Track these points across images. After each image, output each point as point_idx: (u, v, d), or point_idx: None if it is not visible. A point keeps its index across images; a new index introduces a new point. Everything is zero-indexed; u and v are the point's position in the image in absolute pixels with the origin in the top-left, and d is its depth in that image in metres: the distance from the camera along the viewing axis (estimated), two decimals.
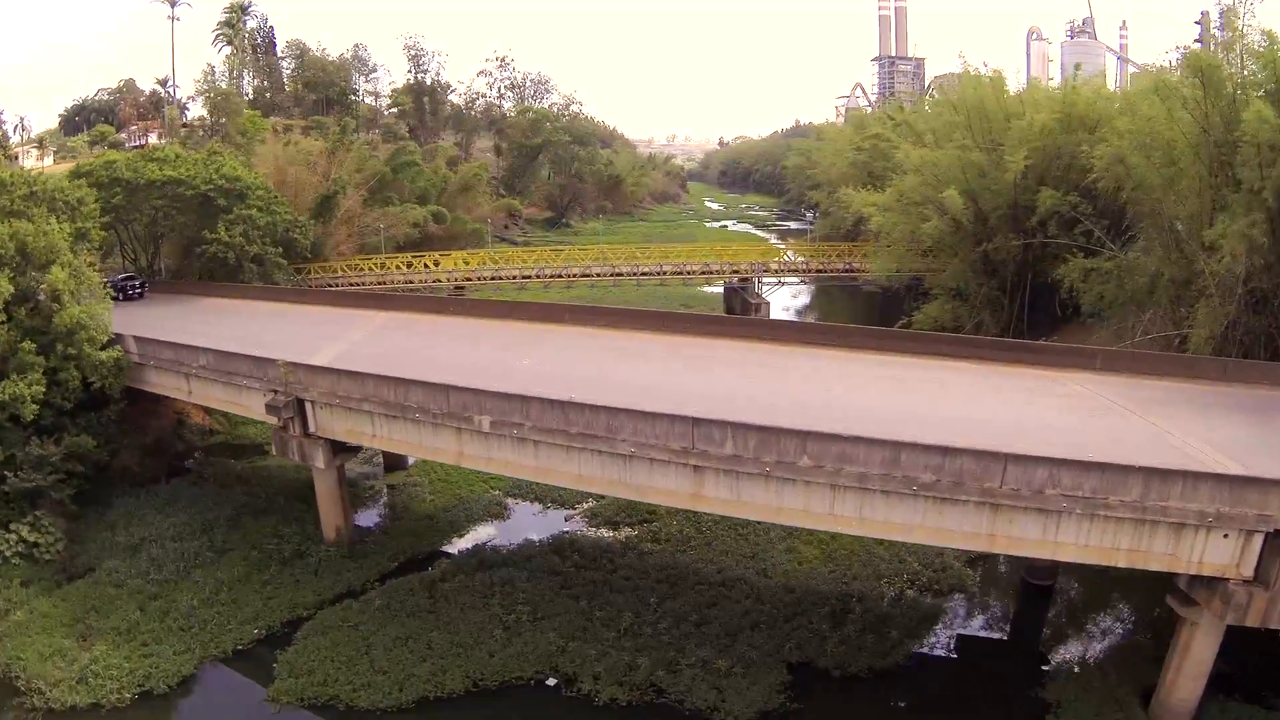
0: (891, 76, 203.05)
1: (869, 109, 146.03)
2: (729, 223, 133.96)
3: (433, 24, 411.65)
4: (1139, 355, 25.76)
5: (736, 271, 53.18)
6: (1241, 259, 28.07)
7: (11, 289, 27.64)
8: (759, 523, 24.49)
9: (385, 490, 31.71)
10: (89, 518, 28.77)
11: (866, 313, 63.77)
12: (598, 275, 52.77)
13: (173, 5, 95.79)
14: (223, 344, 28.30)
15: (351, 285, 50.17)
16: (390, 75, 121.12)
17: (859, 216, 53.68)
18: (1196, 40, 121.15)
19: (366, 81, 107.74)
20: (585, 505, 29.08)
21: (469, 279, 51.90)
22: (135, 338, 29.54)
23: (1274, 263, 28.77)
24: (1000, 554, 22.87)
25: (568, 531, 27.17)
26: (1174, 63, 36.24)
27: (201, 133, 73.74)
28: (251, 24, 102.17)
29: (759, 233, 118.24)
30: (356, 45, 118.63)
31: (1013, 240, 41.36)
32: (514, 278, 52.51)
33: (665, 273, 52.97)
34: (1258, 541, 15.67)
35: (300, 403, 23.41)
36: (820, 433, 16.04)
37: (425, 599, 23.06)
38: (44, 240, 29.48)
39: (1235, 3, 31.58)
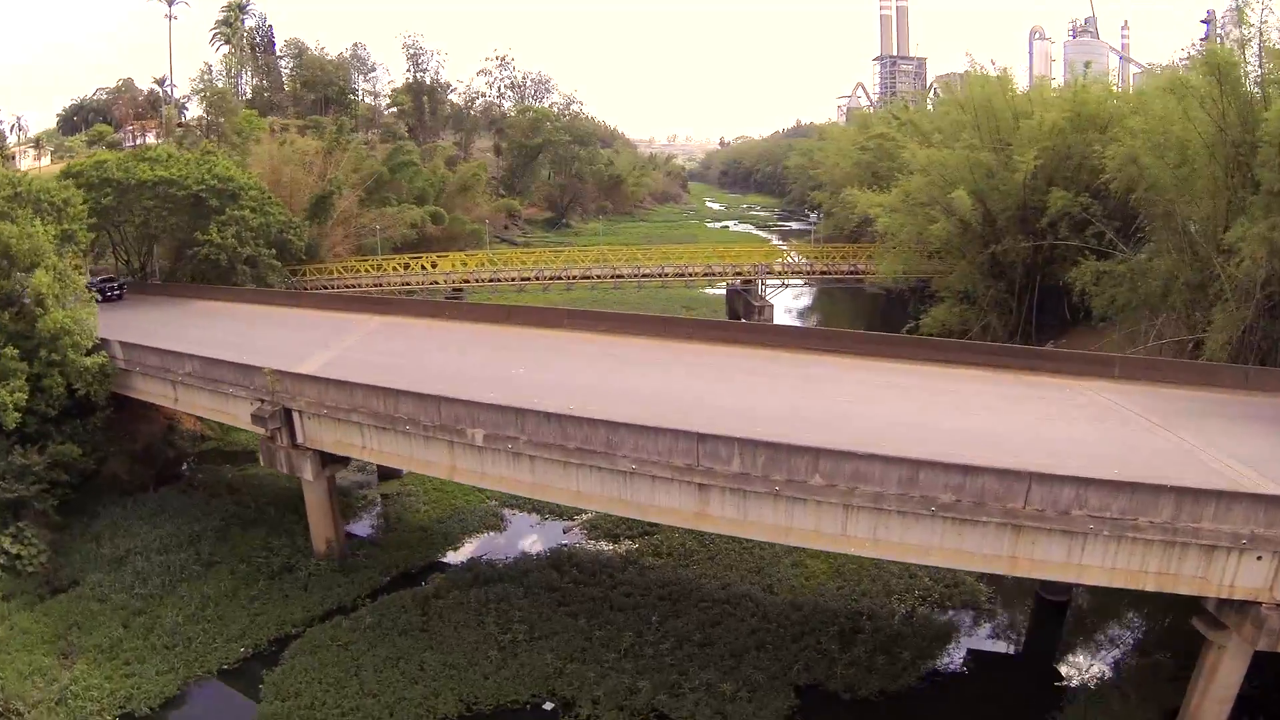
0: (893, 76, 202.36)
1: (870, 109, 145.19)
2: (730, 223, 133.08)
3: (433, 24, 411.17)
4: (1157, 363, 24.90)
5: (739, 273, 52.27)
6: (1262, 263, 27.22)
7: None
8: None
9: (379, 499, 30.84)
10: (74, 528, 27.97)
11: (870, 315, 62.98)
12: (598, 277, 51.89)
13: (170, 4, 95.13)
14: (212, 349, 27.50)
15: (347, 287, 49.37)
16: (389, 74, 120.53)
17: (863, 217, 52.77)
18: (1202, 39, 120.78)
19: (365, 81, 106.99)
20: (584, 517, 28.16)
21: (467, 281, 51.02)
22: (121, 343, 28.72)
23: None
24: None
25: (566, 544, 26.27)
26: (1187, 61, 35.44)
27: (198, 132, 72.94)
28: (250, 23, 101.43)
29: (760, 233, 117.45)
30: (355, 44, 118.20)
31: (1022, 242, 40.51)
32: (512, 279, 51.62)
33: (667, 274, 52.08)
34: None
35: (287, 412, 22.55)
36: (834, 450, 15.14)
37: (418, 617, 22.19)
38: (28, 243, 28.62)
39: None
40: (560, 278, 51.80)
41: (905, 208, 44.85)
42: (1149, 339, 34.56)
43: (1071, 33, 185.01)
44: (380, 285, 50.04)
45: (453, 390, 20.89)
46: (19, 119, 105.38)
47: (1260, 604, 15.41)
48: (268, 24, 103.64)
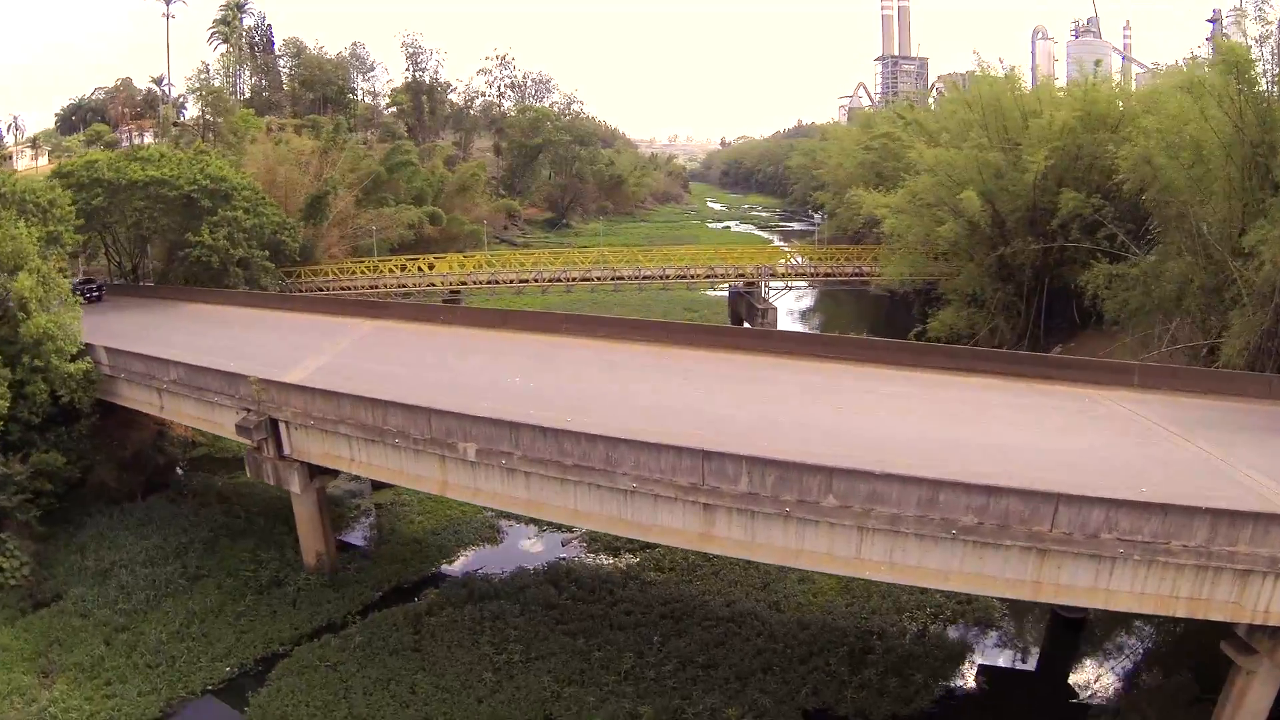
0: (895, 76, 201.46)
1: (872, 109, 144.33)
2: (731, 223, 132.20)
3: (433, 24, 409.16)
4: (1178, 371, 23.99)
5: (742, 275, 51.32)
6: None
7: None
8: None
9: (372, 509, 29.97)
10: (59, 539, 27.20)
11: (873, 317, 62.13)
12: (598, 279, 50.97)
13: (168, 3, 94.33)
14: (199, 354, 26.74)
15: (343, 289, 48.50)
16: (388, 74, 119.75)
17: (868, 218, 51.91)
18: (1208, 39, 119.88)
19: (365, 80, 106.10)
20: (584, 529, 27.25)
21: (464, 282, 50.10)
22: (106, 348, 27.86)
23: None
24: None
25: (564, 558, 25.36)
26: (1199, 59, 34.60)
27: (193, 131, 72.09)
28: (249, 22, 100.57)
29: (762, 234, 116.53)
30: (354, 43, 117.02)
31: (1032, 244, 39.65)
32: (511, 281, 50.67)
33: (668, 276, 51.14)
34: None
35: (274, 423, 21.66)
36: (849, 469, 14.24)
37: (410, 635, 21.32)
38: (11, 245, 27.82)
39: None
40: (559, 279, 50.88)
41: (912, 209, 44.00)
42: (1163, 344, 33.76)
43: (1074, 32, 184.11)
44: (376, 287, 49.14)
45: (446, 399, 20.04)
46: (16, 119, 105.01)
47: None
48: (266, 23, 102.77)
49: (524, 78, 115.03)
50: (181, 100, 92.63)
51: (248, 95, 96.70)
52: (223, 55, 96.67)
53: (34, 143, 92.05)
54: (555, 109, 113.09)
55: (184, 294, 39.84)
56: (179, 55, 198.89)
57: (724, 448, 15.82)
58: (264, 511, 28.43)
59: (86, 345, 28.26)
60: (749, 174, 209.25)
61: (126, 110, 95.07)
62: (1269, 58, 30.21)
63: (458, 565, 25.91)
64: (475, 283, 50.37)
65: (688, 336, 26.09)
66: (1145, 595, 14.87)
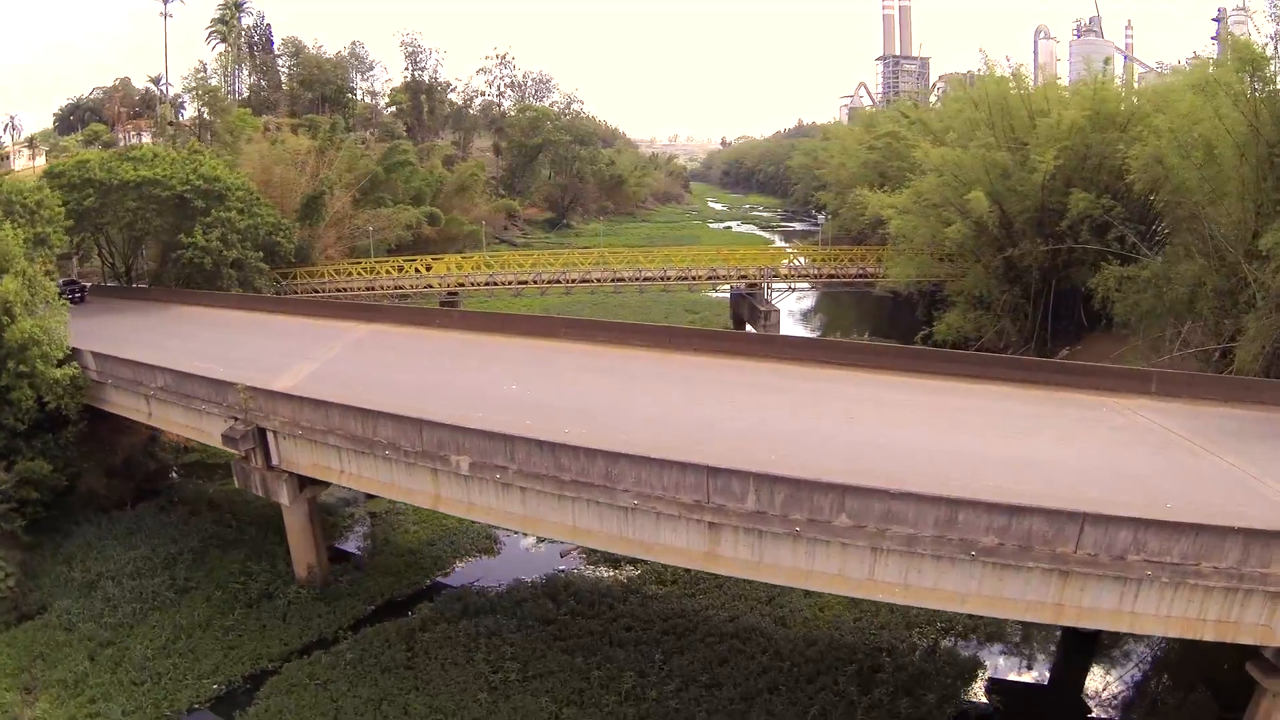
0: (896, 76, 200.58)
1: (873, 108, 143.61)
2: (733, 224, 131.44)
3: (433, 23, 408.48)
4: (1196, 378, 23.27)
5: (744, 277, 50.57)
6: None
7: None
8: None
9: (366, 518, 29.22)
10: (45, 548, 26.55)
11: (876, 318, 61.35)
12: (598, 280, 50.21)
13: (165, 2, 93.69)
14: (189, 359, 26.09)
15: (339, 291, 47.81)
16: (387, 73, 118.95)
17: (873, 219, 51.17)
18: (1213, 38, 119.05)
19: (364, 80, 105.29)
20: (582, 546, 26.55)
21: (462, 284, 49.36)
22: (94, 354, 27.13)
23: None
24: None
25: (563, 570, 24.56)
26: (1213, 57, 33.91)
27: (188, 131, 71.39)
28: (248, 21, 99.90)
29: (764, 234, 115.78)
30: (354, 42, 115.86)
31: (1040, 246, 38.92)
32: (509, 283, 49.91)
33: (669, 278, 50.37)
34: None
35: (262, 432, 20.93)
36: (862, 488, 13.49)
37: (403, 652, 20.56)
38: None
39: None
40: (559, 281, 50.14)
41: (918, 209, 43.27)
42: (1174, 347, 33.05)
43: (1076, 32, 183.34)
44: (373, 289, 48.45)
45: (440, 409, 19.31)
46: (12, 118, 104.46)
47: None
48: (265, 23, 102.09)
49: (524, 77, 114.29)
50: (180, 100, 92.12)
51: (246, 95, 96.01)
52: (220, 55, 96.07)
53: (31, 142, 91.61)
54: (555, 109, 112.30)
55: (176, 296, 39.14)
56: (179, 55, 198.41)
57: (730, 462, 15.09)
58: (256, 520, 27.70)
59: (74, 350, 27.55)
60: (750, 174, 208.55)
61: (123, 110, 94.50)
62: None
63: (453, 577, 25.15)
64: (473, 284, 49.63)
65: (690, 341, 25.29)
66: (1171, 619, 14.15)
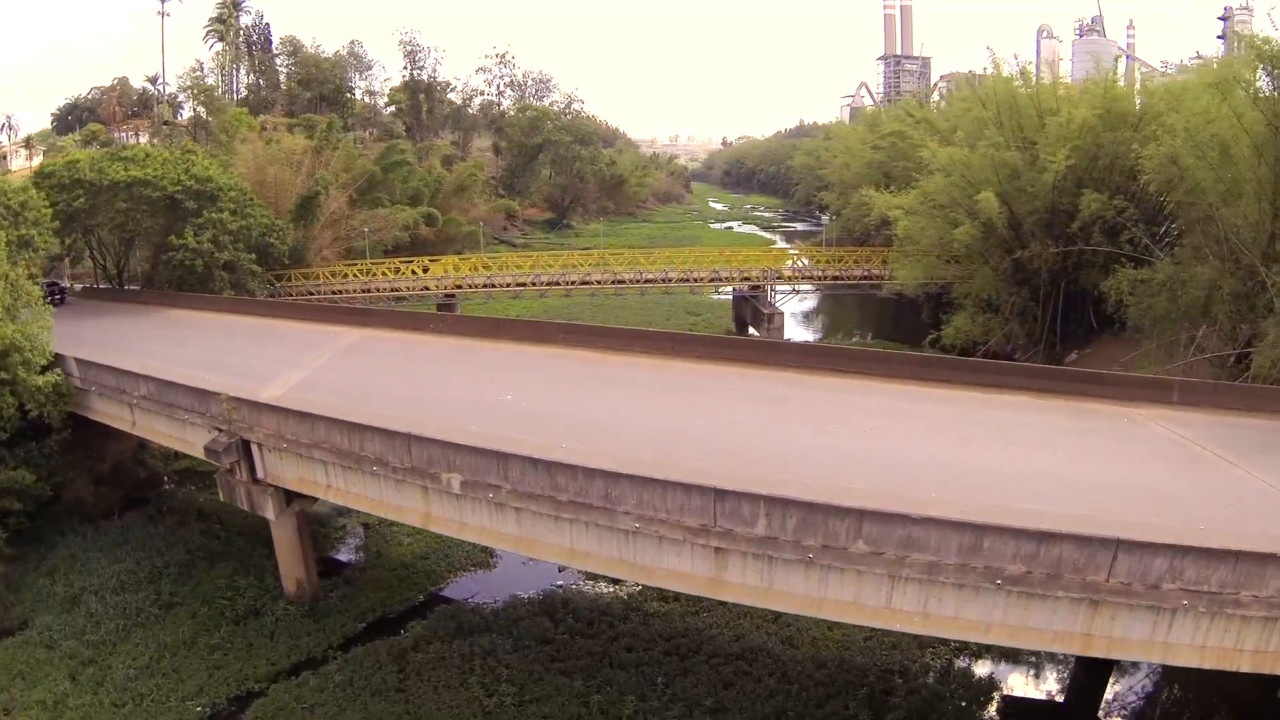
0: (897, 76, 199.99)
1: (874, 108, 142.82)
2: (734, 224, 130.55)
3: (432, 23, 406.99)
4: (1219, 386, 22.35)
5: (747, 278, 49.69)
6: None
7: None
8: None
9: (359, 529, 28.34)
10: (29, 560, 25.75)
11: (879, 320, 60.50)
12: (598, 282, 49.31)
13: (163, 1, 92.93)
14: (175, 365, 25.27)
15: (334, 293, 46.98)
16: (386, 72, 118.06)
17: (878, 219, 50.35)
18: (1219, 36, 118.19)
19: (362, 79, 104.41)
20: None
21: (459, 286, 48.50)
22: (77, 360, 26.29)
23: None
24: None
25: (561, 586, 23.64)
26: (1234, 54, 33.07)
27: (183, 130, 70.62)
28: (247, 20, 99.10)
29: (766, 235, 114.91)
30: (352, 42, 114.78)
31: (1051, 248, 38.09)
32: (508, 285, 49.05)
33: (670, 280, 49.46)
34: None
35: (246, 444, 20.06)
36: (882, 512, 12.60)
37: (394, 674, 19.70)
38: None
39: None
40: (558, 283, 49.24)
41: (924, 210, 42.44)
42: (1189, 352, 32.24)
43: (1079, 31, 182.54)
44: (369, 291, 47.62)
45: (432, 421, 18.46)
46: (9, 118, 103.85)
47: None
48: (264, 22, 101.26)
49: (524, 76, 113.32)
50: (178, 100, 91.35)
51: (245, 94, 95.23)
52: (217, 54, 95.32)
53: (28, 142, 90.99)
54: (555, 108, 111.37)
55: (167, 299, 38.31)
56: (179, 55, 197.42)
57: (736, 479, 14.22)
58: (245, 531, 26.85)
59: (57, 356, 26.73)
60: (751, 174, 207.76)
61: (119, 110, 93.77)
62: None
63: (448, 592, 24.27)
64: (471, 286, 48.77)
65: (693, 348, 24.34)
66: (1207, 649, 13.27)
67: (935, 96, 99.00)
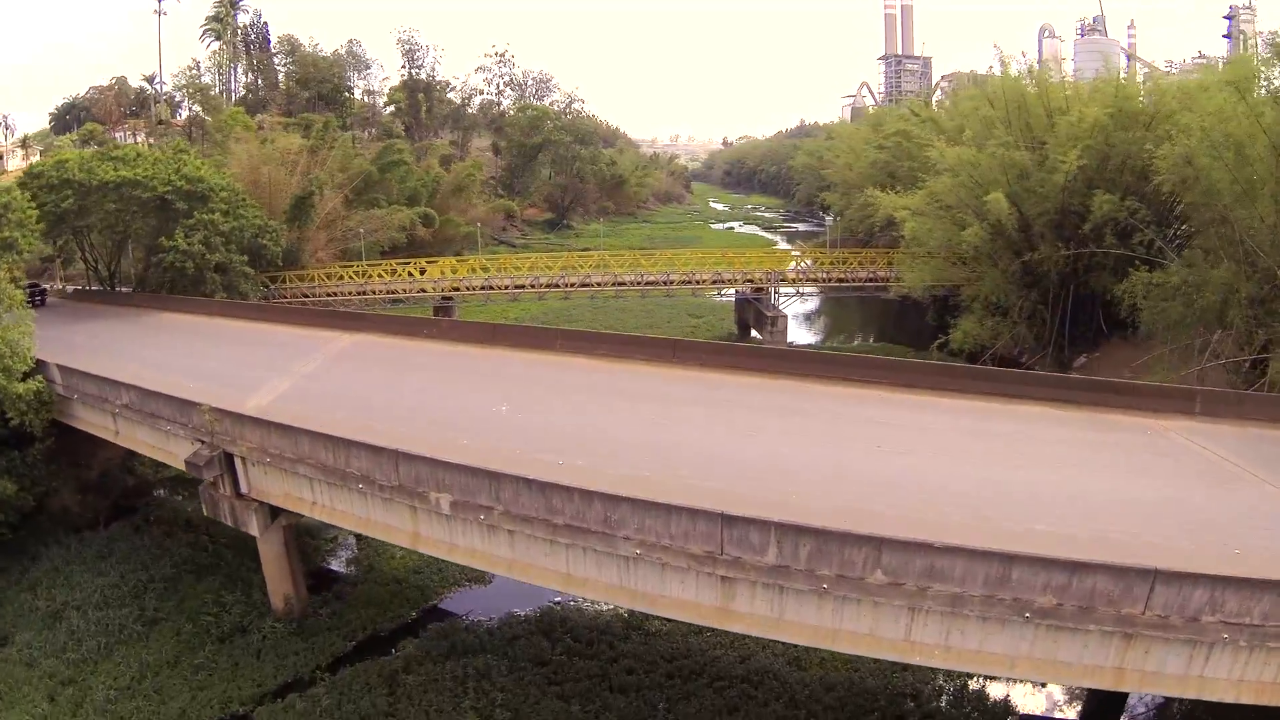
0: (898, 75, 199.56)
1: (875, 108, 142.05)
2: (735, 224, 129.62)
3: (432, 22, 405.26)
4: (1244, 397, 21.53)
5: (750, 281, 48.80)
6: None
7: None
8: None
9: (351, 540, 27.43)
10: (11, 573, 25.06)
11: (881, 321, 59.68)
12: (598, 285, 48.40)
13: (159, 0, 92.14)
14: (162, 372, 24.49)
15: (329, 296, 46.10)
16: (384, 71, 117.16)
17: (883, 220, 49.49)
18: (1224, 35, 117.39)
19: (361, 79, 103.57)
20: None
21: (456, 289, 47.61)
22: (59, 367, 25.44)
23: None
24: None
25: (559, 603, 22.73)
26: (1255, 52, 32.21)
27: (177, 130, 69.83)
28: (245, 19, 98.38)
29: (767, 235, 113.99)
30: (351, 41, 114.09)
31: (1061, 250, 37.23)
32: (506, 287, 48.16)
33: (672, 282, 48.55)
34: None
35: (229, 457, 19.20)
36: (902, 541, 11.72)
37: (384, 697, 18.84)
38: None
39: None
40: (557, 286, 48.32)
41: (931, 211, 41.58)
42: (1204, 358, 31.38)
43: (1080, 31, 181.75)
44: (364, 294, 46.72)
45: (421, 434, 17.63)
46: (5, 118, 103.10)
47: None
48: (262, 21, 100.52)
49: (524, 76, 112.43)
50: (177, 99, 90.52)
51: (243, 94, 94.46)
52: (214, 53, 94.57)
53: (24, 142, 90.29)
54: (556, 108, 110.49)
55: (158, 302, 37.49)
56: (179, 54, 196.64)
57: (743, 500, 13.40)
58: (233, 543, 25.94)
59: (39, 362, 25.90)
60: (751, 174, 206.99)
61: (116, 109, 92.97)
62: None
63: (441, 608, 23.40)
64: (468, 289, 47.88)
65: (697, 356, 23.37)
66: (1245, 683, 12.44)
67: (937, 96, 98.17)
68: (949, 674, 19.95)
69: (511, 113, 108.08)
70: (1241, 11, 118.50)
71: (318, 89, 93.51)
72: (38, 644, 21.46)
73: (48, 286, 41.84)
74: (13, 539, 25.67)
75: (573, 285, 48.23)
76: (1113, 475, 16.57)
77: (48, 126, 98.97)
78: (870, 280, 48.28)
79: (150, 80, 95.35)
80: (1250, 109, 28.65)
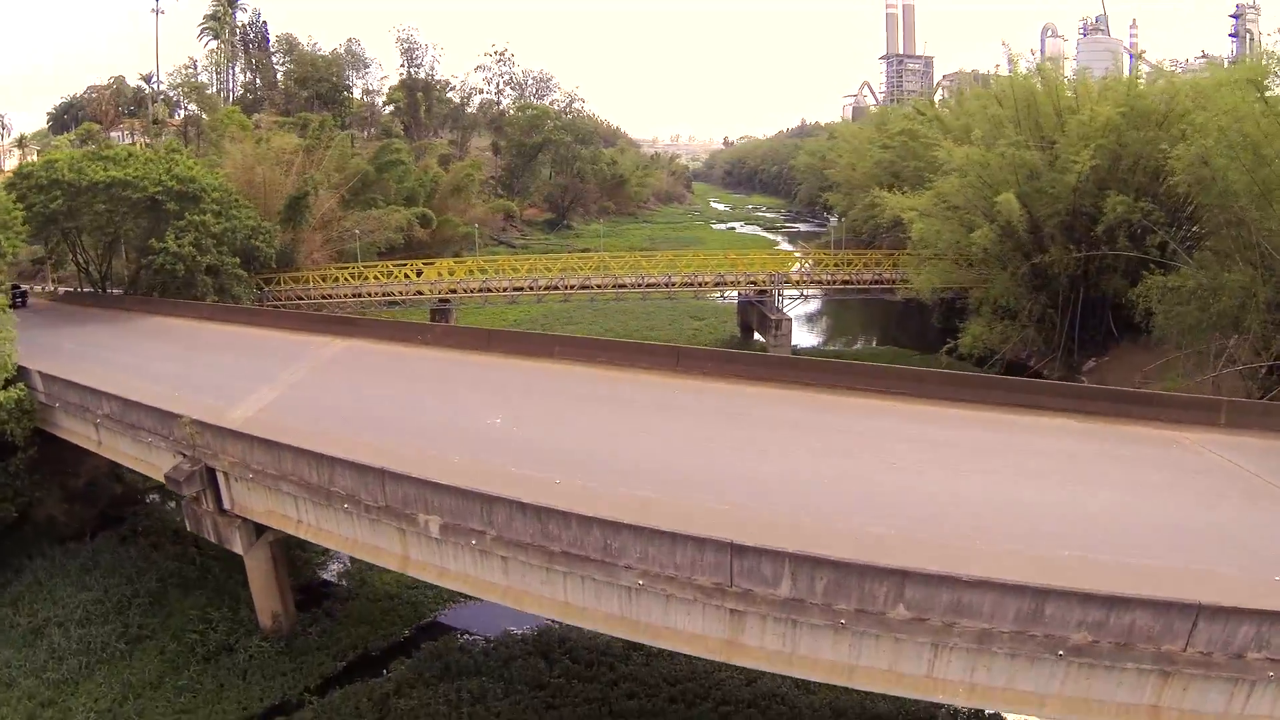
0: (900, 75, 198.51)
1: (876, 107, 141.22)
2: (736, 224, 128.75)
3: (431, 21, 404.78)
4: (1270, 407, 20.63)
5: (753, 283, 47.93)
6: None
7: None
8: None
9: (345, 555, 26.60)
10: None
11: (884, 323, 58.83)
12: (598, 287, 47.54)
13: None
14: (147, 380, 23.68)
15: (324, 298, 45.23)
16: (383, 70, 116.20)
17: (889, 221, 48.68)
18: (1231, 34, 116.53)
19: (360, 78, 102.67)
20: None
21: (454, 291, 46.76)
22: (42, 374, 24.62)
23: None
24: None
25: (557, 622, 21.87)
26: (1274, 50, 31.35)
27: (172, 129, 69.02)
28: (244, 18, 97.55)
29: (769, 235, 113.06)
30: (350, 40, 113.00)
31: (1073, 252, 36.42)
32: (504, 290, 47.30)
33: (673, 284, 47.67)
34: None
35: (211, 472, 18.36)
36: (926, 573, 10.84)
37: None
38: None
39: None
40: (557, 288, 47.47)
41: (939, 212, 40.75)
42: (1218, 364, 30.57)
43: (1083, 30, 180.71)
44: (360, 296, 45.85)
45: (411, 449, 16.81)
46: (2, 118, 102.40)
47: None
48: (261, 19, 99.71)
49: (524, 75, 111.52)
50: (174, 99, 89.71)
51: (241, 93, 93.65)
52: (212, 52, 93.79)
53: (21, 142, 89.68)
54: (556, 107, 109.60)
55: (148, 305, 36.67)
56: (179, 53, 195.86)
57: (752, 522, 12.60)
58: (220, 555, 24.99)
59: (21, 369, 25.09)
60: (752, 174, 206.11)
61: (113, 109, 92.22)
62: None
63: (433, 629, 22.53)
64: (466, 291, 47.03)
65: (702, 365, 22.38)
66: None
67: (939, 95, 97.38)
68: None
69: (511, 112, 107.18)
70: (1248, 11, 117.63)
71: (316, 88, 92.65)
72: (17, 663, 20.70)
73: (26, 288, 40.97)
74: None
75: (572, 287, 47.38)
76: (1141, 495, 15.71)
77: (45, 126, 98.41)
78: (876, 282, 47.41)
79: (147, 80, 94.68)
80: (1269, 107, 27.92)
